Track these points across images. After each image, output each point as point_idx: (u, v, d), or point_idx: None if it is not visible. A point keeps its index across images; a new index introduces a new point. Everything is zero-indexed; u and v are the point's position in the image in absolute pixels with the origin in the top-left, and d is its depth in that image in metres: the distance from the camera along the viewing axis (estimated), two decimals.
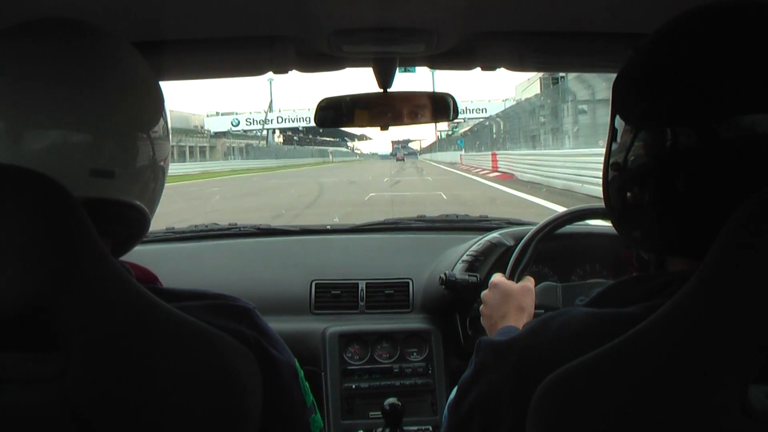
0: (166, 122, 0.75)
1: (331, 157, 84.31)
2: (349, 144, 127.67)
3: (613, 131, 0.69)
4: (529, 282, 1.28)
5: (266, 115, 64.97)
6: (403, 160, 74.55)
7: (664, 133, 0.62)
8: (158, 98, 0.74)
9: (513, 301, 1.22)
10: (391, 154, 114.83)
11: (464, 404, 0.71)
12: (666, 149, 0.62)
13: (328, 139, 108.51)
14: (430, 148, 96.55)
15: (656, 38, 0.66)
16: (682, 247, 0.65)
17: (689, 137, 0.60)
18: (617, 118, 0.69)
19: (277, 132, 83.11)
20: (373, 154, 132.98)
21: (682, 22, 0.64)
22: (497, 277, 1.30)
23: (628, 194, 0.67)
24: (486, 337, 0.74)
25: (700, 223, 0.61)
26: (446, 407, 0.81)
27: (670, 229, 0.64)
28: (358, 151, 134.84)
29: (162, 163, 0.74)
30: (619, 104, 0.69)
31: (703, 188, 0.60)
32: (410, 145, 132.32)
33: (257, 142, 67.51)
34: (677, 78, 0.61)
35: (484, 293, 1.28)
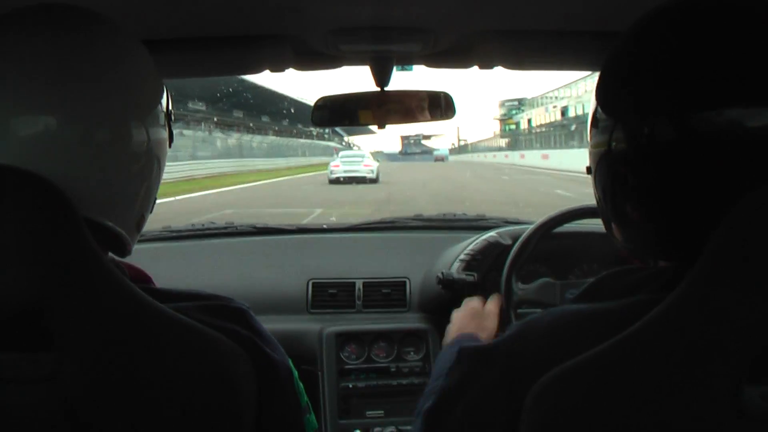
0: (164, 116, 0.73)
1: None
2: (346, 138, 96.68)
3: (596, 129, 0.67)
4: (493, 305, 1.28)
5: None
6: (443, 160, 58.18)
7: (640, 128, 0.60)
8: (156, 92, 0.72)
9: (472, 323, 1.23)
10: (401, 153, 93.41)
11: (452, 415, 0.69)
12: (642, 145, 0.60)
13: (321, 131, 70.81)
14: (495, 140, 60.63)
15: (632, 31, 0.64)
16: (662, 252, 0.65)
17: (666, 131, 0.58)
18: (599, 112, 0.67)
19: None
20: (377, 152, 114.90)
21: (658, 15, 0.62)
22: (470, 301, 1.31)
23: (609, 192, 0.66)
24: (466, 343, 0.73)
25: (679, 227, 0.60)
26: (420, 414, 0.76)
27: (650, 231, 0.63)
28: (356, 148, 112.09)
29: (159, 158, 0.72)
30: (602, 100, 0.67)
31: (680, 187, 0.58)
32: (426, 142, 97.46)
33: None
34: (652, 71, 0.60)
35: (454, 311, 1.29)
